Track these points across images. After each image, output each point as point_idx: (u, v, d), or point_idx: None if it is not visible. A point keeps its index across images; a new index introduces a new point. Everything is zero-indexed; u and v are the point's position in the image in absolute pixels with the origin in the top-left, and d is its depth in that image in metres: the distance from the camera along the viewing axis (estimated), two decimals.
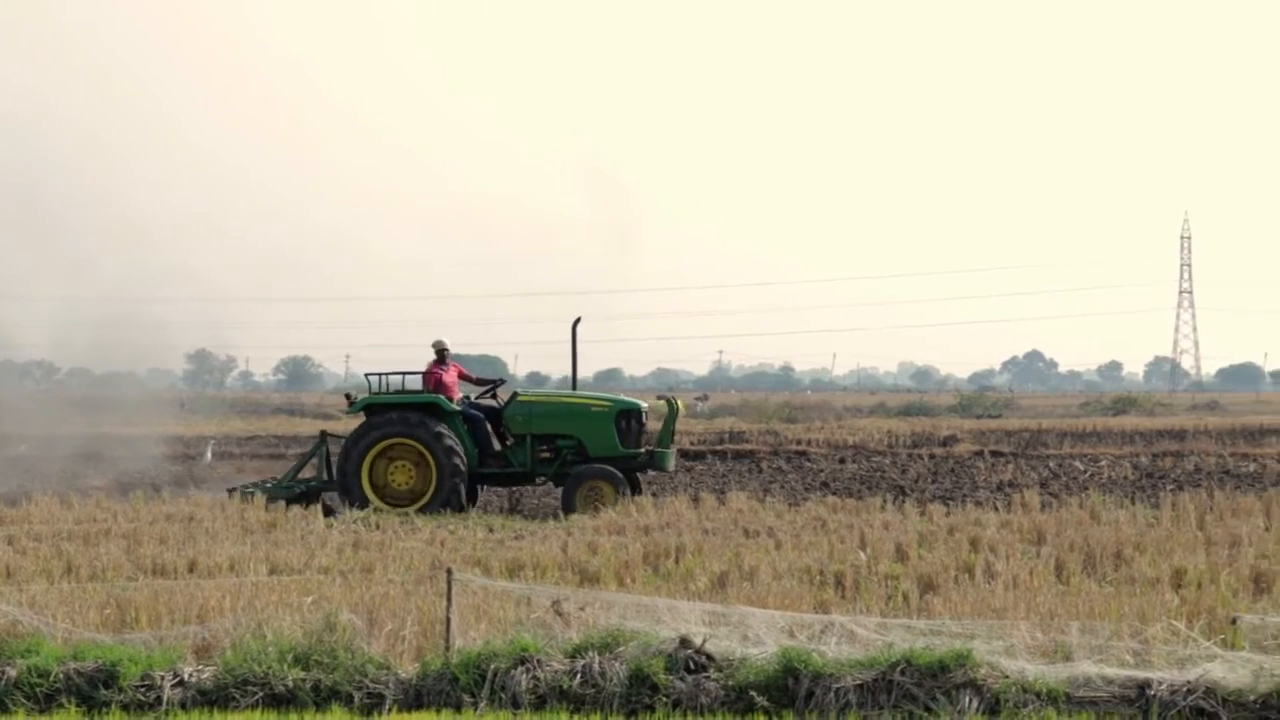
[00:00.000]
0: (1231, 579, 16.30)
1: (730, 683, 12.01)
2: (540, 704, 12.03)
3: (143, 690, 12.49)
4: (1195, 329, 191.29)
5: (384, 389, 27.67)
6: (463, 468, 26.79)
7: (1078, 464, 38.06)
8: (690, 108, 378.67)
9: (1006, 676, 11.69)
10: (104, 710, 12.44)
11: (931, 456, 41.34)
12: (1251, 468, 36.53)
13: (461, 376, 28.31)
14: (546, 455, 27.59)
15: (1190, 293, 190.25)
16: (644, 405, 28.48)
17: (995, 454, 41.85)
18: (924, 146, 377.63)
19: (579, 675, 12.16)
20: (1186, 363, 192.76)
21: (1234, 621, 13.07)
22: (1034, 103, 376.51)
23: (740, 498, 25.76)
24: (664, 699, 11.93)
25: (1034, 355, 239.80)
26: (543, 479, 27.80)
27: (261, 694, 12.31)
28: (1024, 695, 11.52)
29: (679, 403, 29.15)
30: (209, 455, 42.43)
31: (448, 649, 12.61)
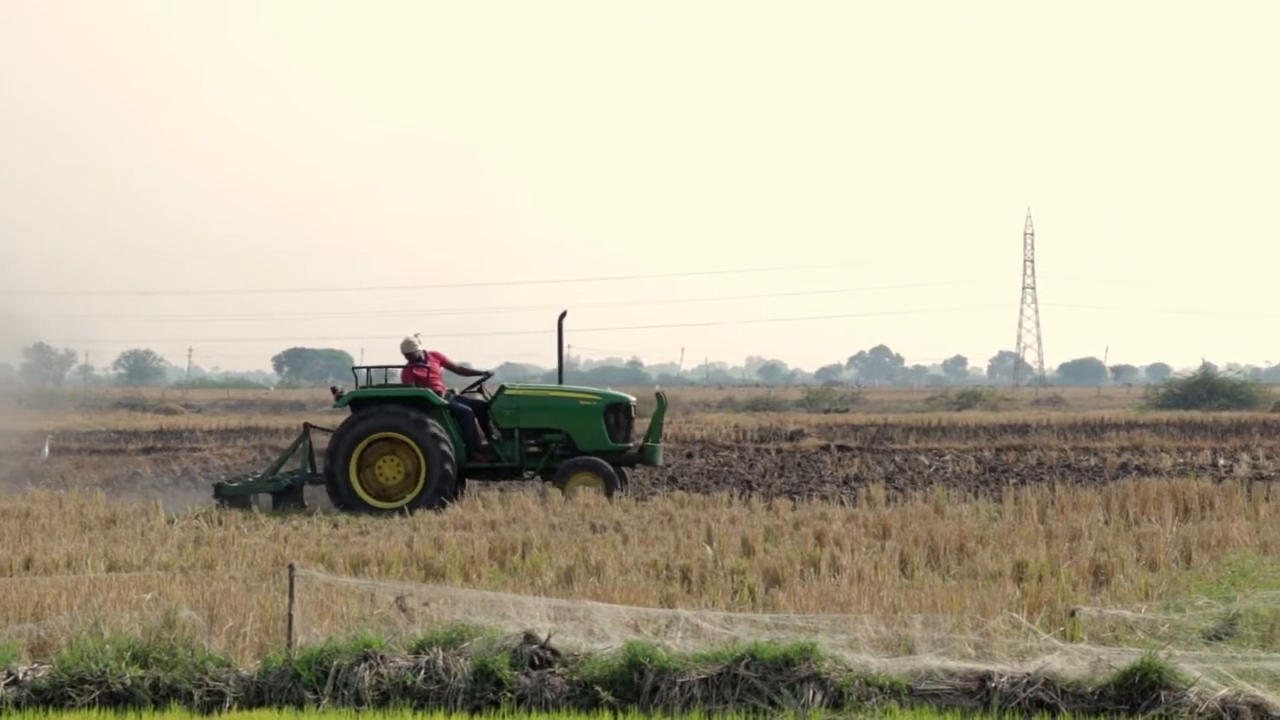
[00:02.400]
0: (1071, 572, 16.51)
1: (575, 678, 11.96)
2: (383, 701, 11.90)
3: None
4: (1038, 324, 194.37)
5: (369, 383, 27.46)
6: (452, 460, 26.57)
7: (923, 458, 38.44)
8: (543, 104, 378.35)
9: (850, 670, 11.73)
10: None
11: (779, 451, 41.56)
12: (1092, 461, 37.08)
13: (444, 365, 28.00)
14: (535, 450, 27.47)
15: (1033, 288, 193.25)
16: (633, 399, 28.42)
17: (842, 448, 42.15)
18: (772, 142, 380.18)
19: (423, 671, 12.05)
20: (1030, 358, 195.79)
21: (1073, 614, 13.23)
22: (882, 100, 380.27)
23: (587, 493, 25.73)
24: (509, 695, 11.85)
25: (880, 350, 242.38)
26: (530, 473, 27.61)
27: (98, 693, 12.07)
28: (867, 688, 11.57)
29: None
30: (46, 451, 41.67)
31: (290, 646, 12.44)
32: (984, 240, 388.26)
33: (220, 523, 23.31)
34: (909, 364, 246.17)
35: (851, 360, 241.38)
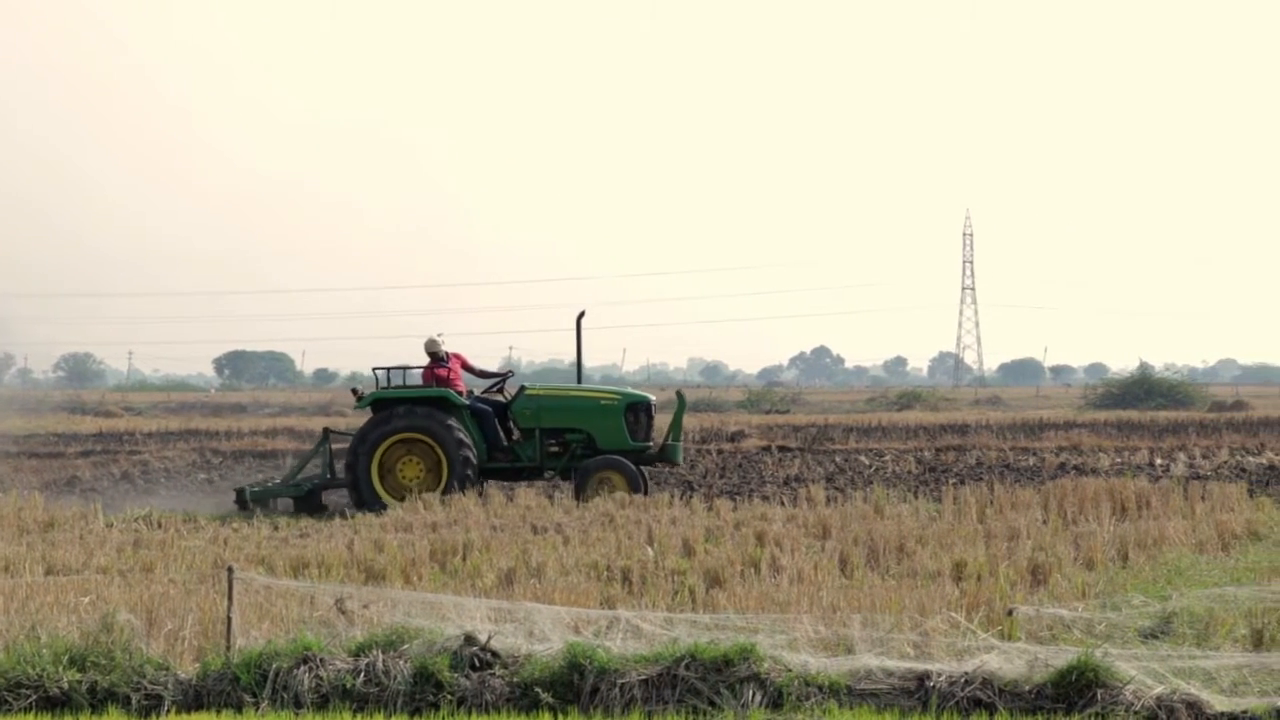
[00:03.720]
0: (1010, 571, 16.60)
1: (516, 679, 11.96)
2: (323, 703, 11.88)
3: None
4: (978, 324, 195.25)
5: (389, 385, 27.44)
6: (474, 460, 26.62)
7: (863, 459, 38.56)
8: (487, 107, 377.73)
9: (790, 670, 11.77)
10: None
11: (720, 452, 41.63)
12: (1031, 461, 37.27)
13: (465, 368, 27.99)
14: (555, 450, 27.48)
15: (973, 289, 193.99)
16: (654, 399, 28.44)
17: (782, 449, 42.25)
18: (712, 145, 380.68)
19: (362, 674, 12.03)
20: (969, 358, 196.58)
21: (1010, 613, 13.31)
22: (820, 102, 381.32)
23: (529, 494, 25.72)
24: (449, 697, 11.85)
25: (821, 351, 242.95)
26: (551, 473, 27.60)
27: (35, 696, 12.01)
28: (807, 688, 11.62)
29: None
30: None
31: (229, 649, 12.40)
32: (923, 241, 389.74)
33: (160, 525, 23.20)
34: (849, 364, 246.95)
35: (792, 361, 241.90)
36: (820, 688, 11.63)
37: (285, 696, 11.95)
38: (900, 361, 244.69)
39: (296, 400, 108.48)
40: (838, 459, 38.59)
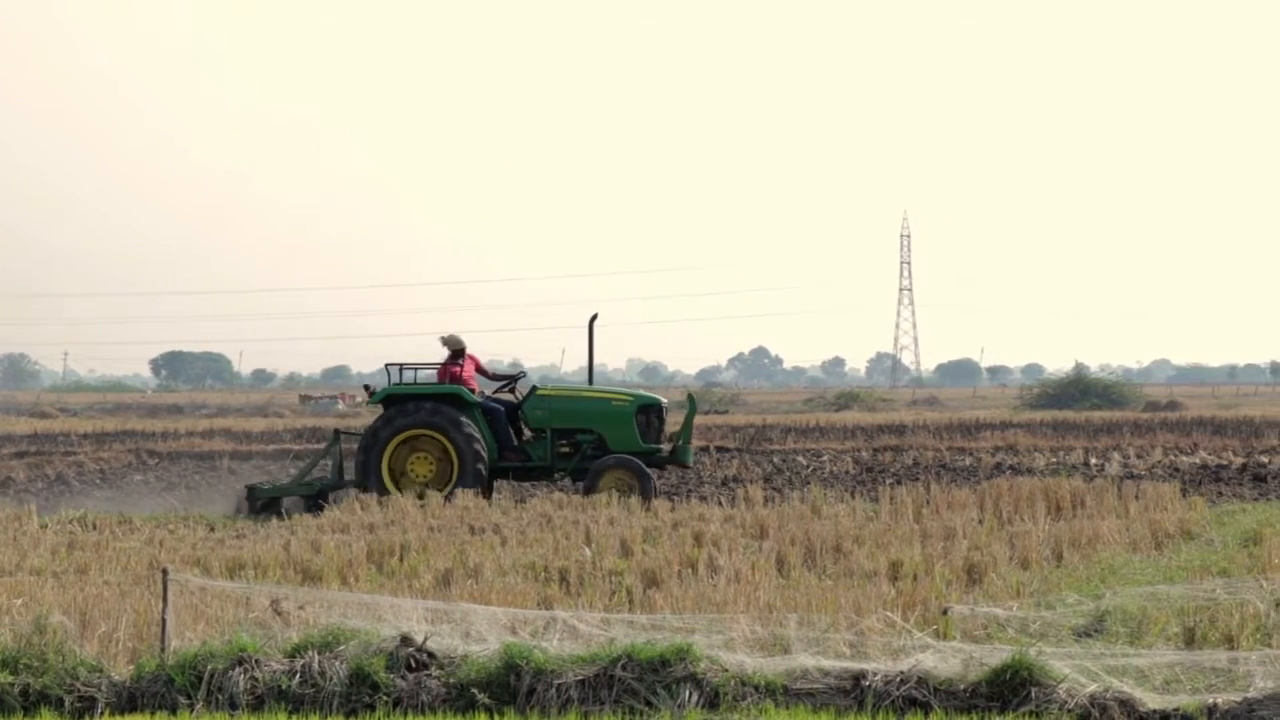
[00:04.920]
0: (946, 570, 16.67)
1: (452, 680, 11.95)
2: (258, 704, 11.84)
3: None
4: (915, 325, 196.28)
5: (401, 381, 27.39)
6: (485, 457, 26.57)
7: (801, 459, 38.67)
8: (422, 107, 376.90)
9: (726, 670, 11.79)
10: None
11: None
12: (967, 461, 37.46)
13: (479, 370, 27.95)
14: (566, 450, 27.42)
15: (910, 290, 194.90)
16: (665, 401, 28.43)
17: (721, 449, 42.32)
18: (652, 145, 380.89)
19: (298, 675, 11.99)
20: (907, 359, 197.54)
21: (945, 612, 13.37)
22: (759, 103, 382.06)
23: (466, 495, 25.68)
24: (384, 698, 11.82)
25: (760, 352, 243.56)
26: (561, 474, 27.55)
27: None
28: (743, 688, 11.64)
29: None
30: None
31: (163, 650, 12.34)
32: (861, 242, 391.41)
33: (95, 527, 23.05)
34: (788, 365, 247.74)
35: (731, 361, 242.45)
36: (756, 687, 11.66)
37: (220, 698, 11.90)
38: (838, 362, 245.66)
39: (234, 401, 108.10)
40: (775, 459, 38.69)
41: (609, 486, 26.17)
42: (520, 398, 27.91)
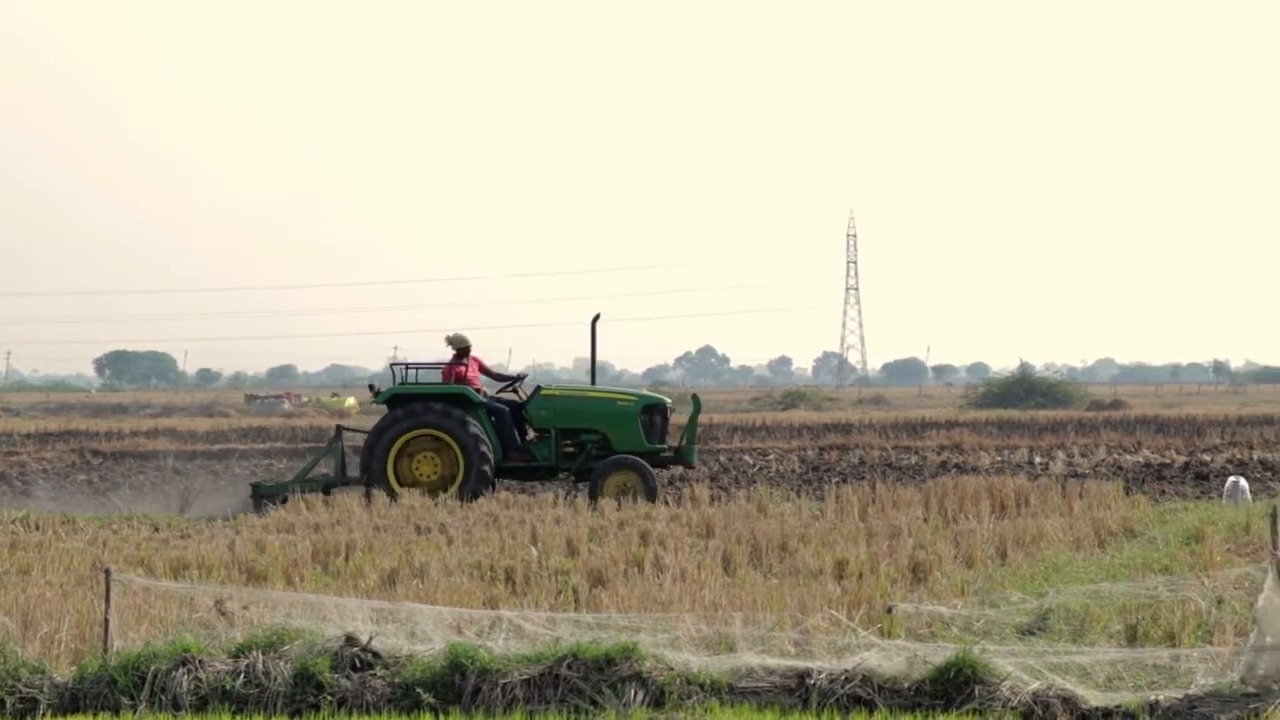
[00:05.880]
0: (891, 569, 16.72)
1: (397, 680, 11.93)
2: (202, 705, 11.79)
3: None
4: (861, 325, 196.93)
5: (405, 381, 27.29)
6: (490, 457, 26.48)
7: (747, 458, 38.76)
8: (369, 106, 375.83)
9: (672, 669, 11.80)
10: None
11: None
12: (912, 460, 37.62)
13: (483, 371, 27.83)
14: (570, 450, 27.31)
15: (856, 289, 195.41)
16: (669, 401, 28.34)
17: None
18: (599, 144, 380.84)
19: (242, 675, 11.95)
20: (853, 358, 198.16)
21: (890, 610, 13.41)
22: (705, 103, 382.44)
23: (412, 494, 25.63)
24: (329, 698, 11.79)
25: (706, 351, 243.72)
26: (565, 474, 27.45)
27: None
28: (688, 687, 11.65)
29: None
30: None
31: (106, 651, 12.28)
32: (808, 242, 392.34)
33: (38, 527, 22.91)
34: (735, 364, 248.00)
35: (678, 360, 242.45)
36: (702, 686, 11.68)
37: (164, 699, 11.85)
38: (785, 361, 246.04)
39: (179, 401, 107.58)
40: (722, 458, 38.76)
41: (614, 487, 26.16)
42: (524, 398, 27.90)
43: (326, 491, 27.10)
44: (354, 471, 27.43)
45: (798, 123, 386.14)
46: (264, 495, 26.83)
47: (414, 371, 27.55)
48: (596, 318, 28.15)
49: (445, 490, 26.13)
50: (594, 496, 25.93)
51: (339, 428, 29.26)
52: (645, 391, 28.85)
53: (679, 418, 30.52)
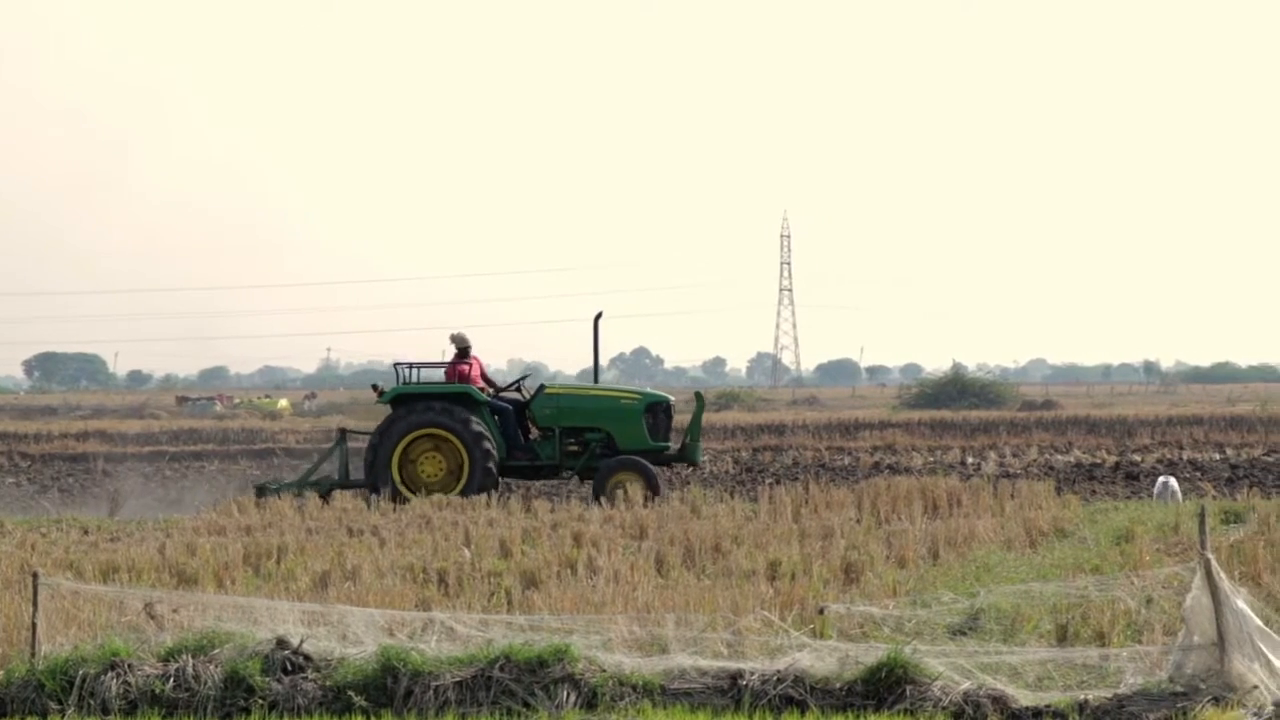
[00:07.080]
0: (823, 570, 16.76)
1: (328, 683, 11.88)
2: (131, 709, 11.72)
3: None
4: (795, 325, 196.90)
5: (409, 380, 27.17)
6: (494, 455, 26.36)
7: None
8: (301, 104, 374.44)
9: (604, 670, 11.80)
10: None
11: None
12: (846, 461, 37.75)
13: (481, 375, 27.67)
14: (574, 449, 27.20)
15: (790, 290, 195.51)
16: (673, 399, 28.28)
17: None
18: (531, 144, 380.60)
19: (172, 679, 11.88)
20: (787, 359, 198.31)
21: (822, 611, 13.44)
22: (639, 103, 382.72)
23: (345, 496, 25.52)
24: (260, 701, 11.74)
25: (640, 352, 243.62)
26: (569, 472, 27.36)
27: None
28: (621, 688, 11.66)
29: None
30: None
31: (33, 655, 12.18)
32: (742, 243, 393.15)
33: None
34: (669, 365, 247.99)
35: (612, 361, 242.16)
36: (634, 688, 11.68)
37: (92, 703, 11.78)
38: (719, 362, 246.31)
39: (109, 403, 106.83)
40: None
41: (617, 485, 26.10)
42: (528, 396, 27.85)
43: (329, 493, 27.00)
44: (358, 474, 27.29)
45: (731, 124, 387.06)
46: (268, 497, 26.60)
47: (417, 371, 27.49)
48: (599, 316, 28.18)
49: (450, 490, 26.08)
50: (598, 495, 25.94)
51: (342, 429, 29.13)
52: (649, 389, 28.85)
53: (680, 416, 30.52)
